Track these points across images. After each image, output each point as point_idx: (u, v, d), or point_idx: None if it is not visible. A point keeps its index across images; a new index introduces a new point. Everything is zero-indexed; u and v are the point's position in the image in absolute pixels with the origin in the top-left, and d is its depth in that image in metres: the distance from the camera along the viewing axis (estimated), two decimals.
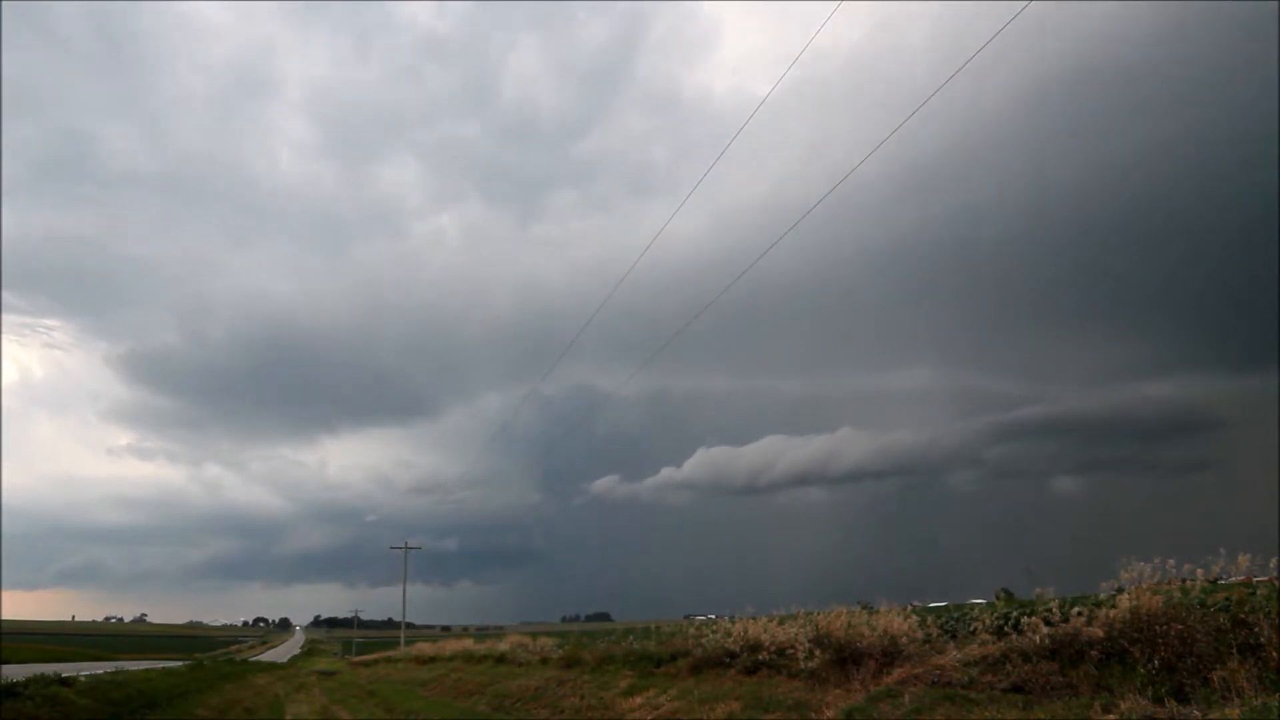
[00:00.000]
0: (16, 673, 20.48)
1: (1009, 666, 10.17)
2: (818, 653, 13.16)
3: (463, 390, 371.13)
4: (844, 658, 12.58)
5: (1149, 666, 8.68)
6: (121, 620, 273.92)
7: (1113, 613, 9.70)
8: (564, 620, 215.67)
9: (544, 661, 24.99)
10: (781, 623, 15.41)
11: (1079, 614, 10.14)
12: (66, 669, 25.96)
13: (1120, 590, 10.35)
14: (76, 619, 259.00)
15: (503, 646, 30.83)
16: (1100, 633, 9.65)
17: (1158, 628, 9.01)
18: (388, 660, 53.47)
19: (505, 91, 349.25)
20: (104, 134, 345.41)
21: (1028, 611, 11.35)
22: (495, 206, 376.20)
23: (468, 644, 38.15)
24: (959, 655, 11.14)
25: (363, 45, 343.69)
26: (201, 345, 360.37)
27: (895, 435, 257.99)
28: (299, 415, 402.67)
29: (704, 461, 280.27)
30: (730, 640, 15.76)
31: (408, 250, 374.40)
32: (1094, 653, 9.56)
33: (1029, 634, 10.40)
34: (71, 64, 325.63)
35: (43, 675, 19.91)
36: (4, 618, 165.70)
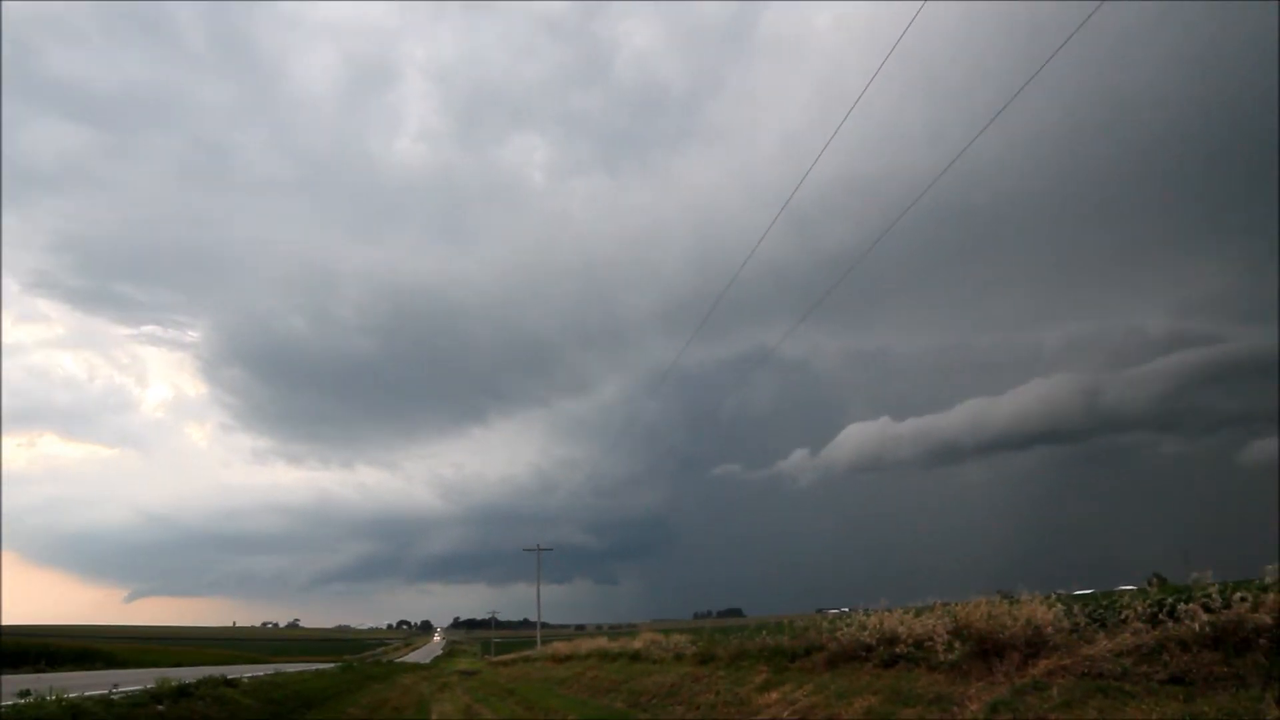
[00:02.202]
0: (187, 674, 23.00)
1: (1166, 656, 9.76)
2: (957, 645, 12.96)
3: (619, 365, 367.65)
4: (985, 649, 12.35)
5: None
6: (277, 625, 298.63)
7: None
8: (695, 617, 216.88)
9: (678, 658, 25.40)
10: (918, 614, 15.19)
11: (1242, 599, 9.58)
12: (230, 671, 28.82)
13: None
14: (236, 624, 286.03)
15: (636, 644, 31.38)
16: (1269, 619, 9.11)
17: None
18: (525, 659, 55.63)
19: None
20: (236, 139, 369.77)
21: (1184, 598, 10.78)
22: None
23: (602, 642, 39.13)
24: (1110, 645, 10.74)
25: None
26: (334, 336, 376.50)
27: (1062, 397, 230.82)
28: (448, 406, 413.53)
29: (841, 441, 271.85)
30: (866, 634, 15.67)
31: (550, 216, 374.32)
32: (1262, 641, 9.05)
33: (1186, 622, 9.92)
34: (200, 70, 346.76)
35: (211, 676, 22.35)
36: (171, 623, 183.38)
